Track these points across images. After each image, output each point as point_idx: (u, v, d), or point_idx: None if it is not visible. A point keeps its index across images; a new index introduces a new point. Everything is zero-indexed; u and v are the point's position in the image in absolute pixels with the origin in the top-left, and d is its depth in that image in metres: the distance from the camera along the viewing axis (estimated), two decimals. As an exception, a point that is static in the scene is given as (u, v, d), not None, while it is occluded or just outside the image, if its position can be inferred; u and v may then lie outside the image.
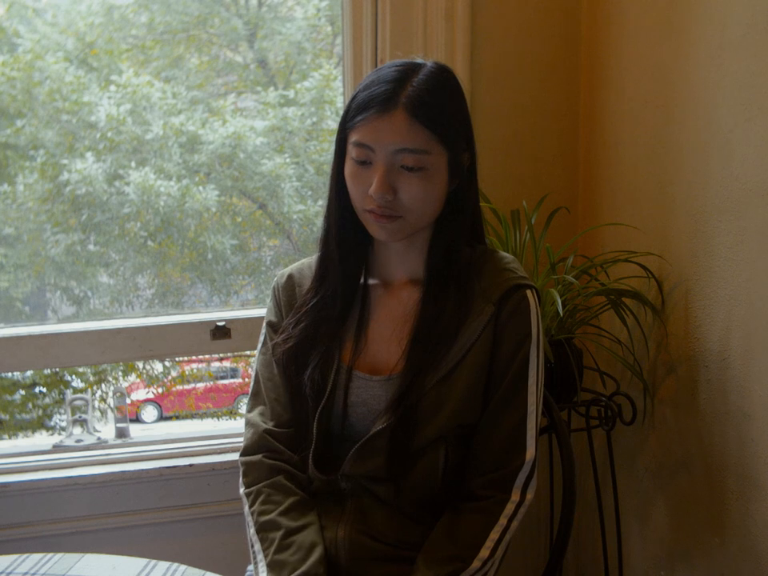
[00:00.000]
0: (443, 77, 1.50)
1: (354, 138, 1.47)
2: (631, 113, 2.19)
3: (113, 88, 3.35)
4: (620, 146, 2.25)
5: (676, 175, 2.02)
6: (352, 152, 1.48)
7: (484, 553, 1.45)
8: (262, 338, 1.70)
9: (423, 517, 1.53)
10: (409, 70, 1.47)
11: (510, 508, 1.47)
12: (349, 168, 1.50)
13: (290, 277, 1.69)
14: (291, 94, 3.57)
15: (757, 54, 1.74)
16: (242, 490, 1.59)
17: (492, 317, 1.49)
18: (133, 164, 3.40)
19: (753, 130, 1.76)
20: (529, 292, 1.52)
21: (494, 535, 1.46)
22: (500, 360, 1.50)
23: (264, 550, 1.50)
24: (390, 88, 1.44)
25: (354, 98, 1.49)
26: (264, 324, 1.71)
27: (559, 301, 1.89)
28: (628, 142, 2.21)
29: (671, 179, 2.04)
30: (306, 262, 1.70)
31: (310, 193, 3.59)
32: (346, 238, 1.58)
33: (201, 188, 3.46)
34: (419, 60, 1.52)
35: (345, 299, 1.60)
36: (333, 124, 2.78)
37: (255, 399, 1.65)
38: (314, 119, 3.52)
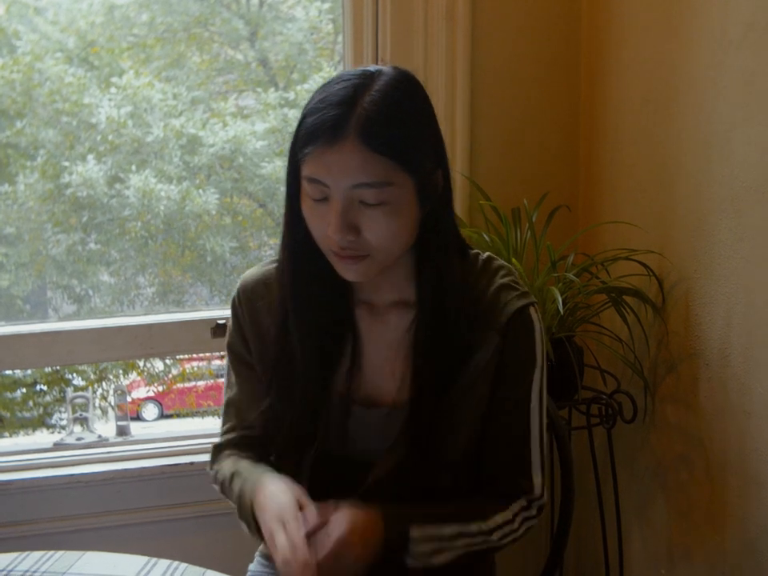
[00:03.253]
0: (402, 88, 1.30)
1: (305, 171, 1.28)
2: (632, 111, 2.19)
3: (113, 90, 3.35)
4: (620, 144, 2.25)
5: (676, 173, 2.02)
6: (306, 187, 1.29)
7: (486, 525, 1.37)
8: (227, 373, 1.54)
9: None
10: (361, 85, 1.27)
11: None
12: (305, 204, 1.32)
13: (254, 291, 1.48)
14: (292, 95, 3.58)
15: (757, 53, 1.74)
16: (210, 473, 1.55)
17: (498, 347, 1.38)
18: (134, 167, 3.40)
19: (753, 129, 1.76)
20: (531, 310, 1.40)
21: (501, 519, 1.39)
22: (503, 385, 1.40)
23: (245, 478, 1.42)
24: (339, 112, 1.24)
25: (301, 122, 1.29)
26: (226, 349, 1.53)
27: (560, 299, 1.90)
28: (628, 140, 2.22)
29: (672, 177, 2.04)
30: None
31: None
32: (307, 274, 1.40)
33: (201, 191, 3.47)
34: (375, 68, 1.31)
35: (324, 336, 1.42)
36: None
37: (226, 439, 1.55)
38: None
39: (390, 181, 1.25)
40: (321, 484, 1.39)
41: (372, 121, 1.24)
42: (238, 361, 1.51)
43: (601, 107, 2.33)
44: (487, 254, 1.47)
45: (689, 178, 1.97)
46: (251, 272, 1.51)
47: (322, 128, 1.24)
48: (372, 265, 1.32)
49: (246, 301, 1.48)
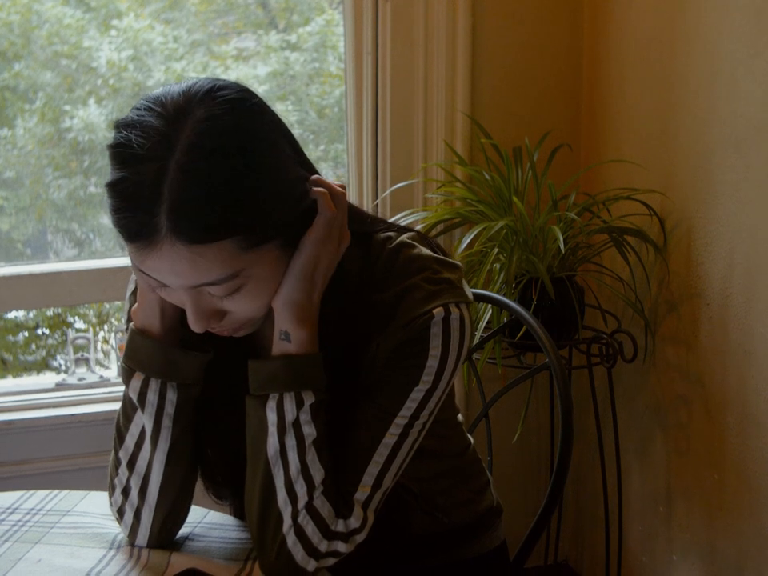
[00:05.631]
0: (221, 131, 0.99)
1: (133, 259, 1.03)
2: (635, 48, 2.17)
3: (113, 33, 3.32)
4: (623, 81, 2.22)
5: (680, 112, 2.00)
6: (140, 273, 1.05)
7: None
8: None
9: None
10: (164, 145, 0.97)
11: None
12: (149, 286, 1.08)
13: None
14: (294, 38, 3.54)
15: (763, -12, 1.72)
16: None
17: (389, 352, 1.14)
18: (135, 111, 3.38)
19: (758, 66, 1.74)
20: (439, 315, 1.10)
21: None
22: (378, 391, 1.14)
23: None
24: (142, 213, 0.96)
25: (107, 194, 1.01)
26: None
27: (561, 238, 1.89)
28: (632, 77, 2.19)
29: (675, 116, 2.02)
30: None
31: (311, 137, 3.57)
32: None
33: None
34: (180, 104, 1.03)
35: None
36: (335, 70, 2.78)
37: None
38: (317, 64, 3.49)
39: (235, 271, 1.00)
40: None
41: (186, 208, 0.95)
42: None
43: (604, 44, 2.30)
44: (399, 241, 1.17)
45: (692, 116, 1.95)
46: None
47: (129, 233, 0.98)
48: (251, 326, 1.12)
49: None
